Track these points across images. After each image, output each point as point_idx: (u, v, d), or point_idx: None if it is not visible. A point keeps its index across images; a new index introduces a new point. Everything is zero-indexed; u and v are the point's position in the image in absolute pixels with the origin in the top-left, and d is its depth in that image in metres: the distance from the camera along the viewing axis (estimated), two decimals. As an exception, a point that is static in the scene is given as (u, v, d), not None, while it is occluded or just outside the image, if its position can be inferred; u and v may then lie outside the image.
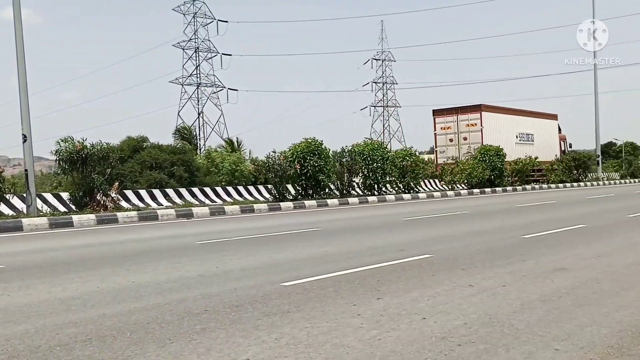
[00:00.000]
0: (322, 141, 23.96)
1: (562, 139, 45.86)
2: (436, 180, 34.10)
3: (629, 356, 3.80)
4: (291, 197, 23.09)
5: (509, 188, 34.11)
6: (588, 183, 40.67)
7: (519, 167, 38.72)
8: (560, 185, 38.11)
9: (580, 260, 7.58)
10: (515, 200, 22.95)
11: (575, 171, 42.05)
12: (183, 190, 22.03)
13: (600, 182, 42.26)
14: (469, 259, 7.92)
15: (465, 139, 38.44)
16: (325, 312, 5.06)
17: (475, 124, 37.93)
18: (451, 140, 39.25)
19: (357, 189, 27.18)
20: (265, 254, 8.82)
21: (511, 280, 6.34)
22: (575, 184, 39.64)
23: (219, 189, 23.33)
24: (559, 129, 44.83)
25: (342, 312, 5.07)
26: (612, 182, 44.43)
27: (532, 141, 42.19)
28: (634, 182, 46.07)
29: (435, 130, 39.87)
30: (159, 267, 7.89)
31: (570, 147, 47.38)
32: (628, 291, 5.68)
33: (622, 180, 46.83)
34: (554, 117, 44.41)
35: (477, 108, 38.24)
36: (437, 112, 40.07)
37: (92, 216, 15.89)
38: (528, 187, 35.97)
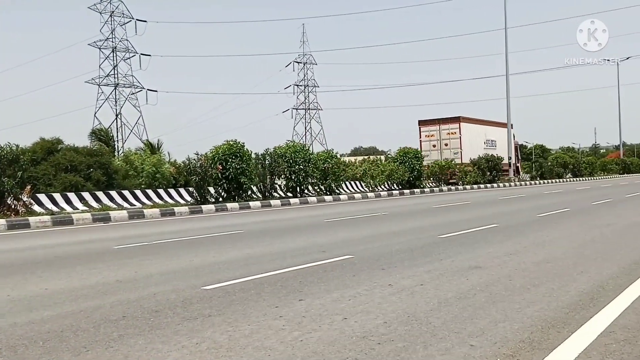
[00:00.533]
0: (244, 143, 23.86)
1: (516, 144, 52.22)
2: (358, 182, 34.59)
3: (539, 350, 3.98)
4: (213, 200, 22.82)
5: (426, 189, 35.06)
6: (501, 184, 42.34)
7: (436, 169, 39.95)
8: (475, 186, 39.51)
9: (493, 259, 7.89)
10: (433, 201, 23.62)
11: (489, 173, 43.74)
12: (100, 194, 21.32)
13: (513, 184, 44.09)
14: (388, 258, 8.09)
15: (446, 145, 44.92)
16: (247, 315, 5.04)
17: (455, 132, 44.60)
18: (434, 146, 45.41)
19: (280, 191, 27.19)
20: (186, 258, 8.68)
21: (429, 278, 6.52)
22: (489, 185, 41.20)
23: (138, 192, 22.75)
24: (514, 136, 50.72)
25: (264, 314, 5.06)
26: (523, 183, 46.44)
27: (495, 146, 48.93)
28: (544, 183, 48.36)
29: (420, 137, 46.09)
30: (74, 273, 7.61)
31: (521, 148, 55.26)
32: (538, 287, 5.95)
33: (533, 182, 49.04)
34: (503, 124, 50.83)
35: (457, 119, 44.91)
36: (422, 122, 46.47)
37: (2, 221, 15.13)
38: (445, 188, 37.08)
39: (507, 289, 5.88)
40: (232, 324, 4.75)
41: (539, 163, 59.91)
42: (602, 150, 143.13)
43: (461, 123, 44.80)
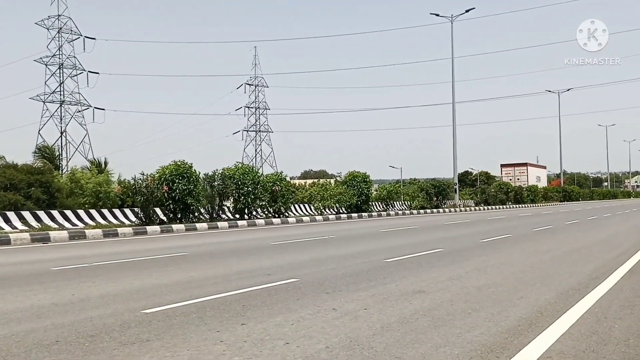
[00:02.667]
0: (192, 164, 23.62)
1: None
2: (307, 205, 34.60)
3: (476, 374, 4.02)
4: (159, 221, 22.40)
5: (374, 213, 35.35)
6: (447, 209, 43.09)
7: (384, 194, 40.41)
8: (421, 211, 40.06)
9: (437, 283, 7.97)
10: (380, 225, 23.80)
11: (435, 198, 44.50)
12: (41, 213, 20.63)
13: (457, 209, 44.93)
14: (334, 282, 8.07)
15: (518, 179, 79.16)
16: (187, 340, 4.93)
17: (524, 173, 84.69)
18: (510, 179, 77.53)
19: (228, 213, 26.93)
20: (126, 280, 8.46)
21: (373, 303, 6.53)
22: (434, 210, 41.86)
23: (81, 212, 22.10)
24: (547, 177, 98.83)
25: (205, 339, 4.96)
26: (467, 208, 47.37)
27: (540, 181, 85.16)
28: (488, 209, 49.44)
29: (501, 175, 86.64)
30: (9, 295, 7.32)
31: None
32: (479, 312, 6.04)
33: (477, 207, 50.08)
34: (544, 167, 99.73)
35: (525, 164, 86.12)
36: (503, 165, 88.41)
37: None
38: (392, 212, 37.46)
39: (449, 314, 5.94)
40: (171, 349, 4.64)
41: (482, 189, 61.22)
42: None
43: (528, 167, 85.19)
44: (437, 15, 48.75)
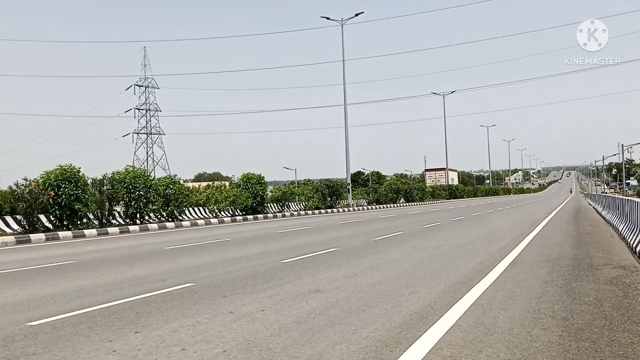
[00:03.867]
0: (79, 168, 22.60)
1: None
2: (201, 208, 34.04)
3: (372, 368, 4.14)
4: (44, 229, 21.22)
5: (270, 215, 35.38)
6: (340, 209, 43.87)
7: (279, 195, 40.58)
8: (316, 211, 40.56)
9: (333, 282, 8.12)
10: (276, 227, 23.87)
11: (330, 198, 45.21)
12: None
13: (351, 209, 45.87)
14: (230, 285, 8.02)
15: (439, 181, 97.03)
16: (77, 351, 4.73)
17: (442, 175, 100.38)
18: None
19: (119, 218, 25.97)
20: (9, 292, 7.97)
21: (270, 304, 6.56)
22: (329, 210, 42.51)
23: (-46, 221, 20.56)
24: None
25: (96, 349, 4.78)
26: (360, 208, 48.46)
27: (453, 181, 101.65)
28: (380, 207, 50.84)
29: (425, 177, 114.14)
30: None
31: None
32: (373, 308, 6.22)
33: (369, 207, 51.35)
34: (455, 170, 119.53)
35: (443, 169, 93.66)
36: (427, 170, 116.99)
37: None
38: (287, 214, 37.66)
39: (345, 311, 6.07)
40: (60, 362, 4.43)
41: (374, 189, 62.89)
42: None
43: (447, 170, 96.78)
44: (328, 18, 49.53)
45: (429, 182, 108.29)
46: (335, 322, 5.61)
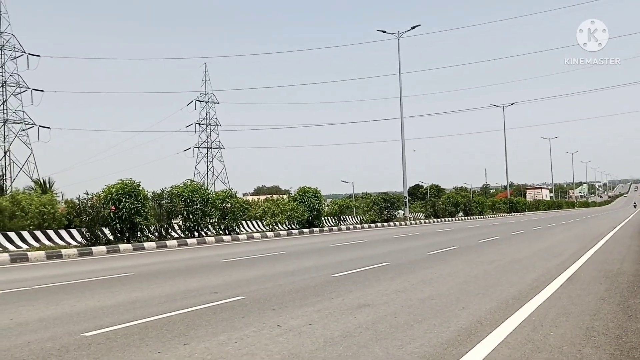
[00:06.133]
0: (139, 182, 23.26)
1: None
2: (258, 222, 34.45)
3: (414, 385, 4.09)
4: (105, 241, 21.92)
5: (325, 228, 35.46)
6: (397, 223, 43.55)
7: (336, 208, 40.63)
8: (373, 225, 40.39)
9: (382, 296, 8.06)
10: (330, 240, 23.90)
11: (386, 211, 44.96)
12: (-20, 236, 19.93)
13: (407, 222, 45.47)
14: (280, 298, 8.07)
15: None
16: (127, 362, 4.85)
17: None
18: None
19: (178, 231, 26.57)
20: (67, 303, 8.25)
21: (318, 318, 6.56)
22: (385, 223, 42.27)
23: (25, 234, 21.41)
24: None
25: (145, 360, 4.89)
26: (417, 221, 48.01)
27: None
28: (437, 221, 50.20)
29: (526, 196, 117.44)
30: (-59, 322, 7.04)
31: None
32: (420, 324, 6.14)
33: (426, 220, 50.82)
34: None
35: (540, 187, 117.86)
36: (528, 188, 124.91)
37: None
38: (343, 227, 37.66)
39: (392, 326, 6.02)
40: (110, 372, 4.56)
41: (432, 202, 62.20)
42: (491, 190, 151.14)
43: None
44: (384, 32, 49.57)
45: (529, 197, 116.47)
46: (382, 337, 5.56)
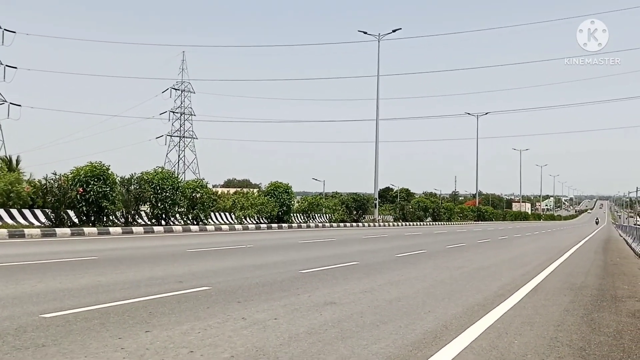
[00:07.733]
0: (109, 166, 22.89)
1: None
2: (227, 214, 34.22)
3: (378, 385, 4.05)
4: (70, 223, 21.52)
5: (294, 224, 35.38)
6: (366, 223, 43.68)
7: (306, 205, 40.57)
8: (342, 224, 40.44)
9: (349, 295, 8.03)
10: (299, 237, 23.83)
11: (356, 212, 45.05)
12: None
13: (377, 224, 45.64)
14: (246, 291, 7.99)
15: None
16: (86, 346, 4.72)
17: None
18: None
19: (145, 218, 26.23)
20: (28, 283, 8.05)
21: (283, 313, 6.50)
22: (354, 223, 42.36)
23: (-14, 211, 20.95)
24: None
25: (105, 345, 4.77)
26: (386, 224, 48.22)
27: None
28: (405, 225, 50.49)
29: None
30: None
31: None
32: (387, 324, 6.11)
33: (395, 223, 51.06)
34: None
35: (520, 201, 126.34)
36: (514, 201, 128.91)
37: None
38: (312, 224, 37.62)
39: (358, 326, 5.98)
40: (68, 355, 4.43)
41: (401, 205, 62.54)
42: (460, 198, 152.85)
43: None
44: (365, 33, 49.66)
45: (514, 208, 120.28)
46: (347, 335, 5.52)
